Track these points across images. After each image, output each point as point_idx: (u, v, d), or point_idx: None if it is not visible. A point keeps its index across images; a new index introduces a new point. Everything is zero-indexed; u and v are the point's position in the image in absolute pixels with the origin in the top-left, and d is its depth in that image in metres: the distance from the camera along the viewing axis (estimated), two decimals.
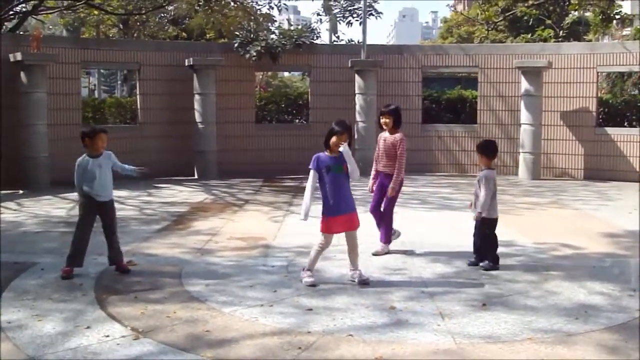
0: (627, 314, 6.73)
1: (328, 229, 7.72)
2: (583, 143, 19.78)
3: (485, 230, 8.73)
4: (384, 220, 9.53)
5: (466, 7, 75.74)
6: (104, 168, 8.24)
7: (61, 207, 13.80)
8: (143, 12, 28.15)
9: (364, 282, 7.66)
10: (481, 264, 8.59)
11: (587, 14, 34.32)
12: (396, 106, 9.65)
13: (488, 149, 9.01)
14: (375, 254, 9.26)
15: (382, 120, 9.57)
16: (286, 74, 51.29)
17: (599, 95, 21.12)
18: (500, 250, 9.75)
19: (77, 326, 6.30)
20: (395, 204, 9.67)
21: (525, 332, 6.19)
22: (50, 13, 28.79)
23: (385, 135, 9.56)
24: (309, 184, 7.79)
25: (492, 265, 8.52)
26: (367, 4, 21.97)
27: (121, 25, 33.57)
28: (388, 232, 9.54)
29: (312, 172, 7.77)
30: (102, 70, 46.22)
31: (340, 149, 7.61)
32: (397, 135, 9.41)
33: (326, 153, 7.75)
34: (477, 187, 8.87)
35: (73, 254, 8.18)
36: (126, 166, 8.57)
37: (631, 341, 6.01)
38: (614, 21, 30.57)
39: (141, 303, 7.01)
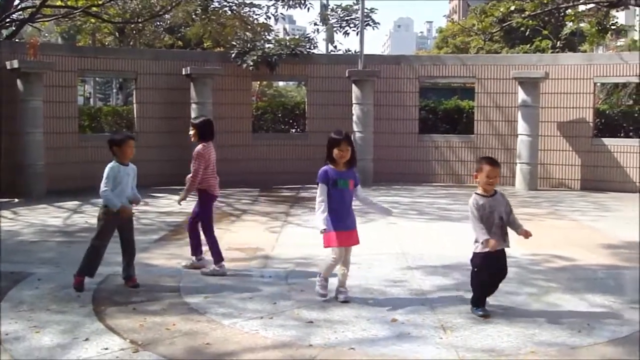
0: (630, 327, 6.67)
1: (331, 243, 7.45)
2: (580, 154, 19.79)
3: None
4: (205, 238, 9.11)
5: (462, 17, 75.98)
6: (131, 179, 8.07)
7: (57, 217, 13.73)
8: (140, 20, 28.11)
9: (346, 301, 7.44)
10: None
11: (583, 25, 34.41)
12: (203, 119, 9.36)
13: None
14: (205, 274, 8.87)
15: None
16: (281, 83, 51.31)
17: (596, 106, 21.14)
18: None
19: (75, 338, 6.22)
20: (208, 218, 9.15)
21: (528, 345, 6.14)
22: (48, 21, 28.72)
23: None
24: (319, 198, 7.45)
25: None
26: (364, 14, 21.94)
27: (117, 34, 33.52)
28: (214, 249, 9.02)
29: (321, 186, 7.44)
30: (97, 79, 46.17)
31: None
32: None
33: (331, 167, 7.53)
34: (501, 212, 7.16)
35: (87, 266, 7.96)
36: (136, 192, 8.21)
37: (635, 354, 5.96)
38: (609, 32, 30.62)
39: (140, 315, 6.93)
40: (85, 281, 7.94)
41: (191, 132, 9.22)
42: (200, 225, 9.17)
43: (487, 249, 6.91)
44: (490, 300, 7.50)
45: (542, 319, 6.89)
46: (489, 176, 7.07)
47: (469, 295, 7.34)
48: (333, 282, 7.69)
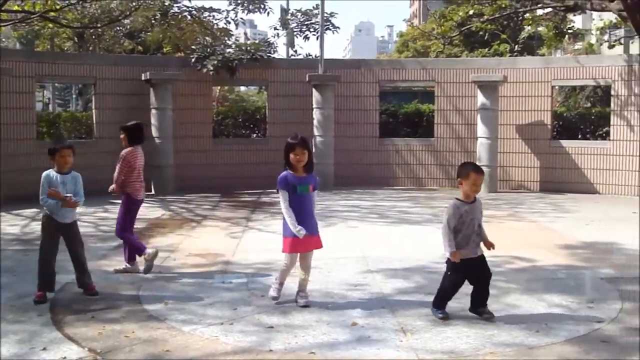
0: (587, 326, 6.77)
1: (291, 249, 7.48)
2: (538, 156, 20.01)
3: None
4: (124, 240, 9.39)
5: (421, 22, 76.48)
6: (68, 187, 7.90)
7: (15, 224, 13.55)
8: (99, 25, 27.87)
9: (307, 306, 7.43)
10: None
11: (541, 28, 34.82)
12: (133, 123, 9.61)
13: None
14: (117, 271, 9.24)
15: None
16: (243, 88, 51.15)
17: (554, 108, 21.41)
18: None
19: (33, 348, 6.14)
20: (128, 221, 9.38)
21: (487, 346, 6.20)
22: (4, 25, 28.35)
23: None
24: (284, 205, 7.41)
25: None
26: (324, 18, 21.98)
27: (76, 39, 33.18)
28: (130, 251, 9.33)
29: (282, 192, 7.41)
30: (56, 84, 45.66)
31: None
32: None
33: (291, 172, 7.49)
34: (479, 219, 7.19)
35: (42, 279, 7.85)
36: (79, 197, 8.02)
37: (592, 353, 6.05)
38: (566, 36, 31.03)
39: (99, 323, 6.87)
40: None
41: (121, 136, 9.43)
42: (118, 225, 9.34)
43: (468, 256, 6.94)
44: (451, 302, 7.56)
45: (501, 320, 6.96)
46: (475, 183, 6.94)
47: (430, 298, 7.37)
48: (294, 287, 7.70)
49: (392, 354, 6.02)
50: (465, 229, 6.94)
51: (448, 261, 7.08)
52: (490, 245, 7.13)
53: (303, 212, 7.41)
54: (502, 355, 5.99)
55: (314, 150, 19.65)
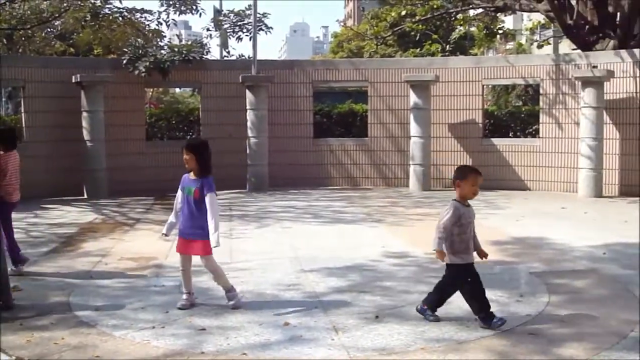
0: (516, 320, 6.90)
1: (176, 248, 7.76)
2: (471, 154, 20.28)
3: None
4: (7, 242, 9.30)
5: (356, 23, 76.92)
6: None
7: None
8: (28, 26, 27.30)
9: (237, 307, 7.42)
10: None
11: (473, 29, 35.41)
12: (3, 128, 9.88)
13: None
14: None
15: None
16: (178, 89, 50.77)
17: (485, 107, 21.74)
18: (393, 261, 9.92)
19: None
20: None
21: (418, 342, 6.28)
22: None
23: None
24: (175, 201, 7.78)
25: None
26: (257, 19, 21.94)
27: (4, 40, 32.46)
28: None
29: (178, 191, 7.76)
30: None
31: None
32: None
33: (188, 174, 7.70)
34: (474, 224, 7.09)
35: None
36: None
37: (519, 346, 6.17)
38: (498, 36, 31.63)
39: (27, 331, 6.73)
40: None
41: None
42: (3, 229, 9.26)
43: (470, 261, 6.86)
44: (383, 299, 7.66)
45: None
46: (474, 184, 6.98)
47: (362, 296, 7.43)
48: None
49: (323, 352, 6.05)
50: (464, 233, 6.83)
51: (455, 270, 6.90)
52: (483, 254, 7.11)
53: (184, 215, 7.61)
54: (432, 350, 6.08)
55: (247, 151, 19.66)
